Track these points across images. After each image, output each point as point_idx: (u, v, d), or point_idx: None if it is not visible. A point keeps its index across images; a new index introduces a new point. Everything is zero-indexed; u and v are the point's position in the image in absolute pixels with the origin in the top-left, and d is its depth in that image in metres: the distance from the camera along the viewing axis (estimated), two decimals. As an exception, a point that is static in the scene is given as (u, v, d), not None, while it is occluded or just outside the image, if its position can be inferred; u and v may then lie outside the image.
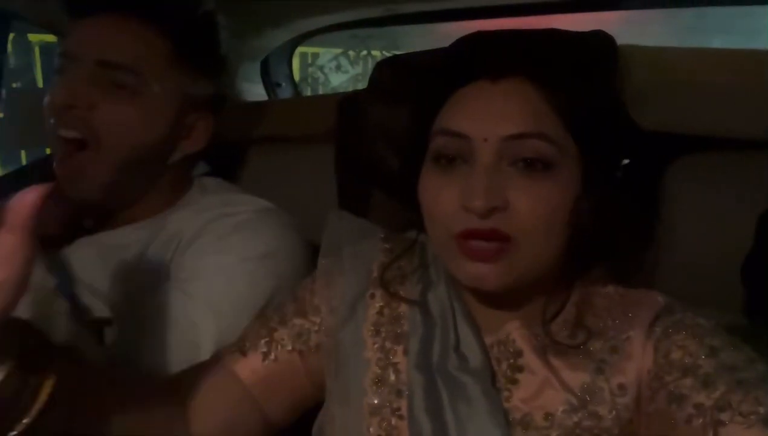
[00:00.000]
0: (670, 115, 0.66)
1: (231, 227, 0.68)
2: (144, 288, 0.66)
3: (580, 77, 0.50)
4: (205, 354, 0.61)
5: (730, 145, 0.64)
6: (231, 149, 1.01)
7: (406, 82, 0.70)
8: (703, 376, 0.43)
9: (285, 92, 1.26)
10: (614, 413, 0.46)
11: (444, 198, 0.48)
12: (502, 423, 0.47)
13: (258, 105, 1.14)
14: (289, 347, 0.57)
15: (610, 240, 0.50)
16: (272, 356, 0.57)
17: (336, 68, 2.12)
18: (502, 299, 0.52)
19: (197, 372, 0.58)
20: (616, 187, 0.50)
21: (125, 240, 0.71)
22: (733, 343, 0.45)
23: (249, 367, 0.57)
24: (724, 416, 0.41)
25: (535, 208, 0.46)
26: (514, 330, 0.51)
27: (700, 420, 0.41)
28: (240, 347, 0.58)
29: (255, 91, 1.20)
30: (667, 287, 0.64)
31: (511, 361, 0.50)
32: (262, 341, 0.57)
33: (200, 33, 0.72)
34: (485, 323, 0.53)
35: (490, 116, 0.47)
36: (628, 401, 0.47)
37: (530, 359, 0.50)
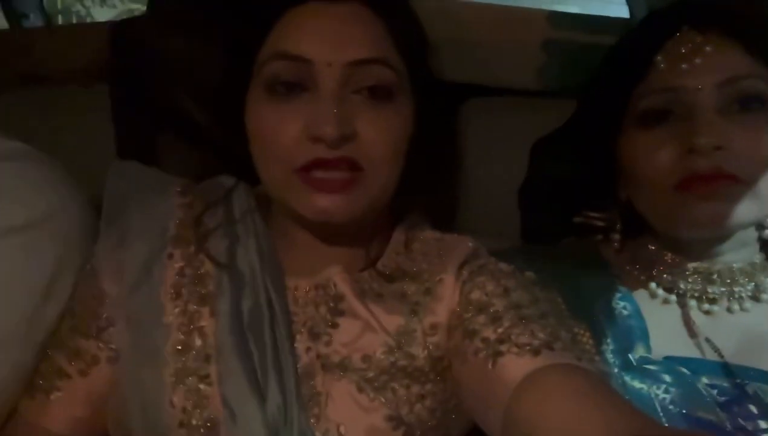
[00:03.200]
0: (451, 65, 0.70)
1: None
2: None
3: (408, 6, 0.51)
4: None
5: (508, 92, 0.71)
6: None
7: (195, 5, 0.62)
8: (493, 313, 0.45)
9: (34, 25, 1.03)
10: (426, 352, 0.47)
11: (284, 129, 0.45)
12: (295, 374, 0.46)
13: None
14: (101, 363, 0.50)
15: (429, 174, 0.52)
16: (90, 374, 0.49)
17: (101, 1, 1.80)
18: (328, 242, 0.51)
19: None
20: (439, 120, 0.52)
21: None
22: (524, 285, 0.49)
23: (56, 411, 0.49)
24: (503, 348, 0.43)
25: (383, 138, 0.46)
26: (336, 275, 0.50)
27: (483, 353, 0.43)
28: (44, 389, 0.49)
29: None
30: (461, 216, 0.71)
31: (332, 305, 0.49)
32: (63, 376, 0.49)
33: None
34: (305, 267, 0.51)
35: (332, 39, 0.45)
36: (438, 339, 0.48)
37: (352, 303, 0.49)
